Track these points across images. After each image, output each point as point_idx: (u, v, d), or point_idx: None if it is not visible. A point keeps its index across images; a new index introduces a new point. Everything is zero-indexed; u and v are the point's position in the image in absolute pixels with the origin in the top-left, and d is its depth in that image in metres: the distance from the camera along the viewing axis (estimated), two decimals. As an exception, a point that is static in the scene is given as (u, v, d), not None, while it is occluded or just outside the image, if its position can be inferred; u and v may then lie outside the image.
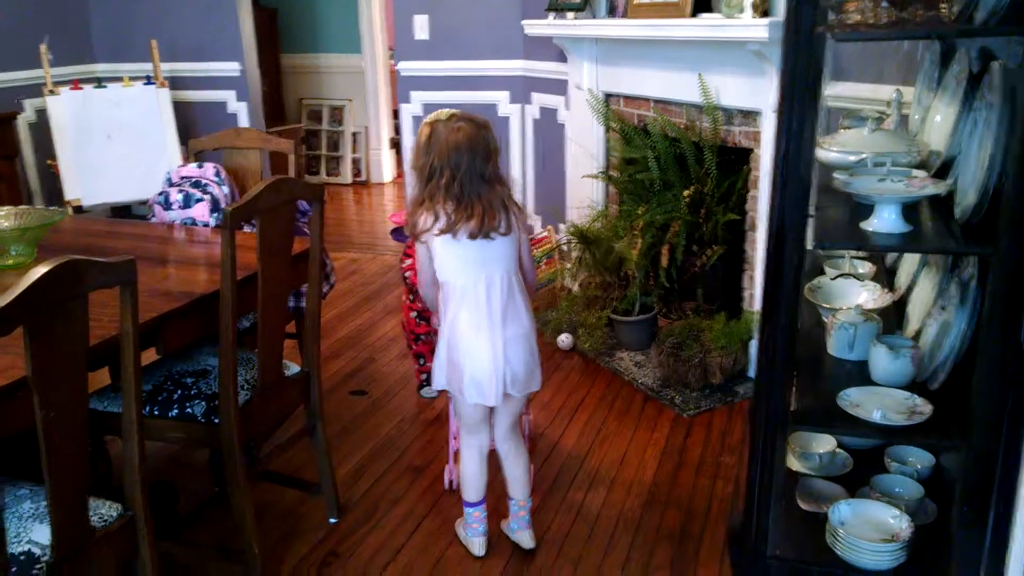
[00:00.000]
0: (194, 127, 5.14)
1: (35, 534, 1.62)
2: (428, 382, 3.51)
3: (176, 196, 2.95)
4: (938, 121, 1.88)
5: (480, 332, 2.17)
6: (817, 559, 1.57)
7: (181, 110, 5.05)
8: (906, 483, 1.71)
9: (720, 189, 3.47)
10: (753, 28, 2.81)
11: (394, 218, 4.99)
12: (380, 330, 4.18)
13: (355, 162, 7.76)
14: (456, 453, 2.69)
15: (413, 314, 3.41)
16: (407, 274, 3.39)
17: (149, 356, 2.10)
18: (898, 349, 1.58)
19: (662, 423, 3.19)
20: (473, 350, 2.19)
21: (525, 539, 2.43)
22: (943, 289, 1.71)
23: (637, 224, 3.66)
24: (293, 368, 2.47)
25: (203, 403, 2.21)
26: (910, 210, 1.46)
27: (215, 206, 2.95)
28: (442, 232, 2.12)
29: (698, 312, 3.61)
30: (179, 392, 2.23)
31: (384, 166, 7.72)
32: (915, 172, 1.57)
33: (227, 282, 2.05)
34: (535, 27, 4.13)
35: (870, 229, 1.44)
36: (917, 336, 1.72)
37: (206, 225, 2.95)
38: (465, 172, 2.09)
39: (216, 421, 2.19)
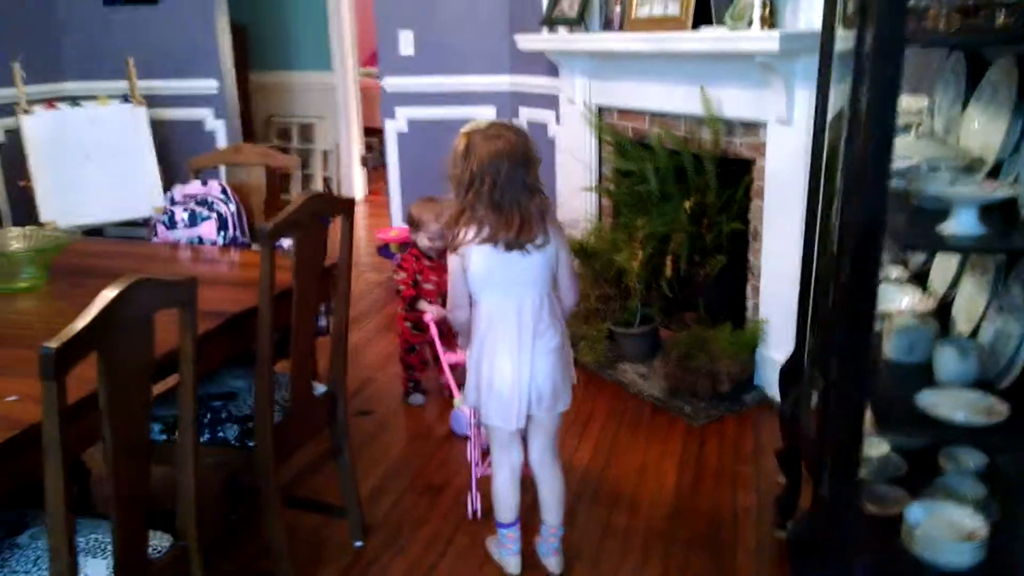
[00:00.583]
0: (171, 146, 5.03)
1: (90, 569, 1.54)
2: (416, 389, 3.49)
3: (181, 215, 2.87)
4: (976, 128, 1.92)
5: (506, 353, 2.13)
6: (895, 561, 1.57)
7: (158, 129, 4.93)
8: (967, 482, 1.73)
9: (720, 200, 3.51)
10: (763, 41, 2.85)
11: (381, 234, 4.95)
12: (374, 349, 4.11)
13: (326, 180, 7.67)
14: (478, 481, 2.68)
15: (408, 323, 3.40)
16: (400, 287, 3.37)
17: (168, 381, 2.03)
18: (966, 350, 1.61)
19: (674, 434, 3.19)
20: (498, 372, 2.15)
21: (552, 564, 2.37)
22: (996, 291, 1.74)
23: (637, 236, 3.67)
24: (319, 388, 2.41)
25: (236, 426, 2.14)
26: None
27: (222, 224, 2.88)
28: (483, 241, 2.06)
29: (699, 322, 3.63)
30: (209, 416, 2.16)
31: (356, 184, 7.65)
32: (977, 177, 1.60)
33: (265, 299, 2.00)
34: (529, 42, 4.14)
35: (949, 232, 1.46)
36: (973, 337, 1.75)
37: (214, 243, 2.88)
38: (505, 178, 2.03)
39: (250, 444, 2.12)
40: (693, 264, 3.55)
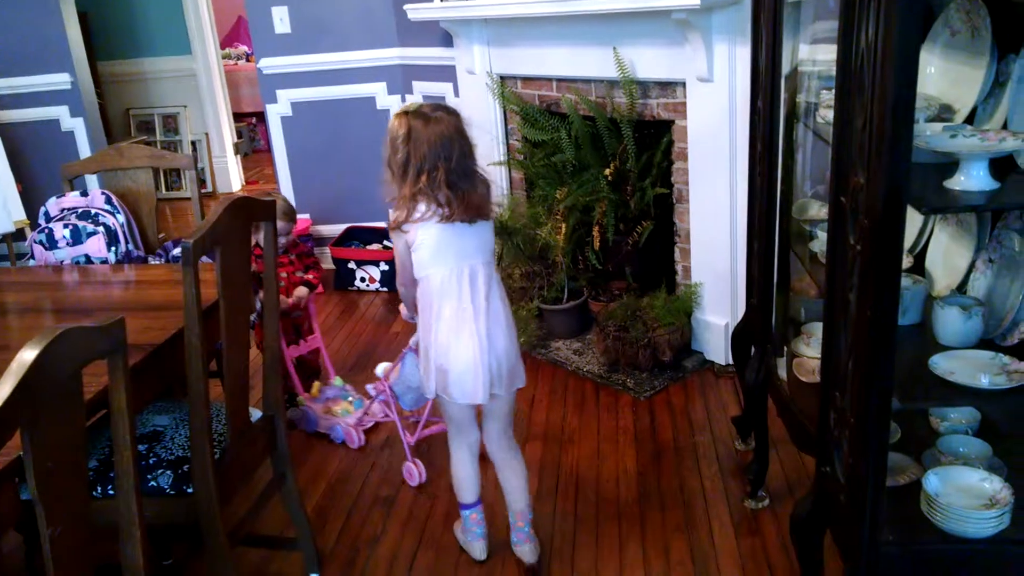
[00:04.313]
0: (25, 151, 4.50)
1: None
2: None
3: (62, 232, 2.51)
4: (932, 73, 1.86)
5: (463, 327, 2.09)
6: (920, 535, 1.51)
7: (6, 133, 4.39)
8: (969, 442, 1.69)
9: (640, 164, 3.41)
10: (683, -4, 2.73)
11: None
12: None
13: (198, 172, 7.14)
14: (412, 448, 2.75)
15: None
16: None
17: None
18: (969, 309, 1.54)
19: (622, 409, 3.09)
20: (456, 346, 2.09)
21: (527, 553, 2.28)
22: (982, 243, 1.69)
23: (558, 208, 3.54)
24: (255, 414, 2.16)
25: (168, 472, 1.88)
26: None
27: (112, 238, 2.54)
28: (442, 220, 2.04)
29: (630, 292, 3.55)
30: (135, 463, 1.88)
31: (231, 174, 7.17)
32: (970, 128, 1.53)
33: (192, 324, 1.73)
34: (420, 11, 3.89)
35: (959, 188, 1.38)
36: (959, 292, 1.70)
37: (104, 261, 2.54)
38: (458, 161, 2.03)
39: (188, 491, 1.86)
40: (619, 233, 3.45)
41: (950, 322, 1.56)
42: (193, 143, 7.10)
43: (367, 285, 4.45)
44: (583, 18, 3.27)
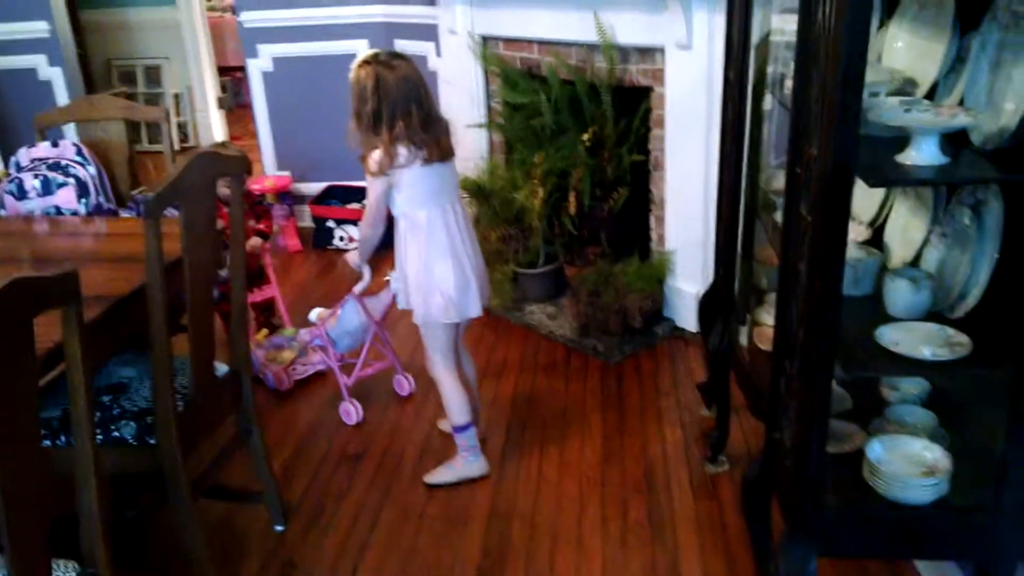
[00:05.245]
0: (1, 100, 4.45)
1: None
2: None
3: (32, 182, 2.50)
4: (899, 47, 1.87)
5: (457, 255, 2.34)
6: (861, 501, 1.55)
7: (-19, 80, 4.35)
8: (915, 412, 1.73)
9: (617, 130, 3.41)
10: (662, -39, 2.72)
11: (253, 185, 4.59)
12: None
13: (181, 127, 7.09)
14: (348, 388, 2.88)
15: None
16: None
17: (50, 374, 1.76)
18: (918, 281, 1.57)
19: (591, 373, 3.13)
20: (455, 272, 2.33)
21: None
22: (937, 217, 1.72)
23: (535, 172, 3.54)
24: (221, 368, 2.18)
25: (132, 423, 1.90)
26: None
27: (83, 190, 2.53)
28: (425, 162, 2.22)
29: (604, 257, 3.57)
30: (99, 414, 1.90)
31: (214, 128, 7.09)
32: (926, 103, 1.54)
33: (155, 278, 1.75)
34: (403, -32, 3.85)
35: (909, 163, 1.40)
36: (913, 265, 1.72)
37: (75, 213, 2.53)
38: (426, 104, 2.21)
39: (152, 442, 1.89)
40: (595, 199, 3.46)
41: (900, 294, 1.59)
42: (176, 96, 7.03)
43: (345, 244, 4.44)
44: (565, -20, 3.25)
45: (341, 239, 4.45)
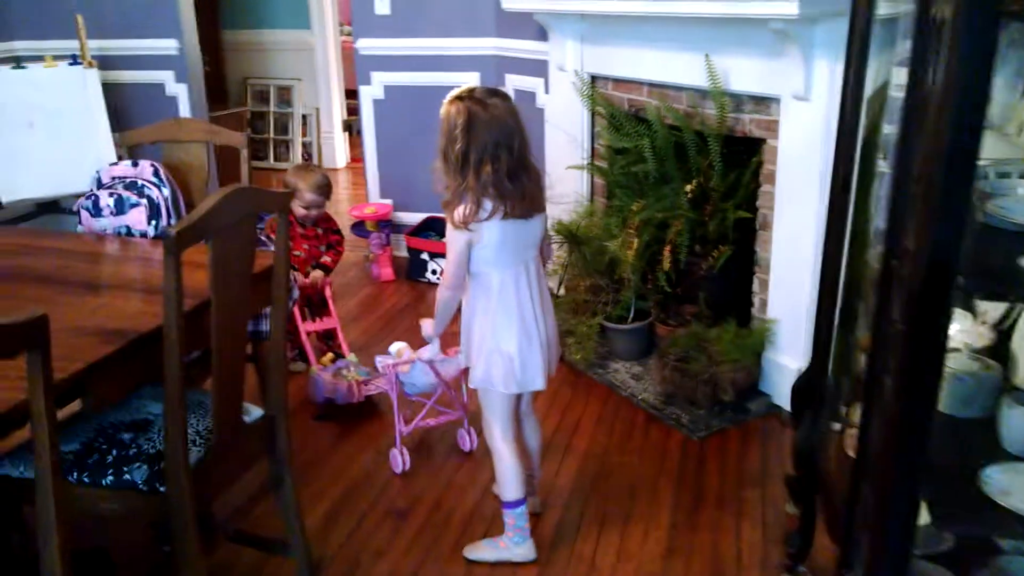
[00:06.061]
0: (128, 112, 4.61)
1: None
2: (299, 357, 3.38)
3: (107, 200, 2.49)
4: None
5: (526, 320, 2.13)
6: None
7: (112, 93, 4.51)
8: (1033, 567, 1.40)
9: (725, 183, 3.13)
10: (780, 3, 2.45)
11: (355, 211, 4.57)
12: (346, 338, 3.74)
13: (305, 146, 7.26)
14: (403, 436, 2.73)
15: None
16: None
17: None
18: (1046, 412, 1.26)
19: (671, 448, 2.85)
20: (521, 339, 2.13)
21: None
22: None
23: (632, 222, 3.30)
24: (254, 412, 2.06)
25: (145, 467, 1.79)
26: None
27: (154, 211, 2.50)
28: (505, 216, 2.01)
29: (700, 318, 3.28)
30: (114, 452, 1.81)
31: (337, 150, 7.23)
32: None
33: (172, 319, 1.63)
34: (515, 1, 3.72)
35: (1039, 268, 1.11)
36: (1044, 386, 1.40)
37: (144, 235, 2.50)
38: (518, 153, 1.99)
39: (162, 489, 1.77)
40: (694, 255, 3.19)
41: (1018, 425, 1.27)
42: (304, 116, 7.20)
43: (437, 278, 4.33)
44: (677, 21, 3.02)
45: (433, 272, 4.34)
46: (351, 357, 3.26)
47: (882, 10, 1.68)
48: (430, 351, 2.40)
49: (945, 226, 1.00)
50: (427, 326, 2.30)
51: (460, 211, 2.00)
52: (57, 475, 1.28)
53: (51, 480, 1.26)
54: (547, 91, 3.96)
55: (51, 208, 4.90)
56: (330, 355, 3.32)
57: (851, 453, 1.83)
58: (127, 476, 1.78)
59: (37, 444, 1.25)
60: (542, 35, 3.88)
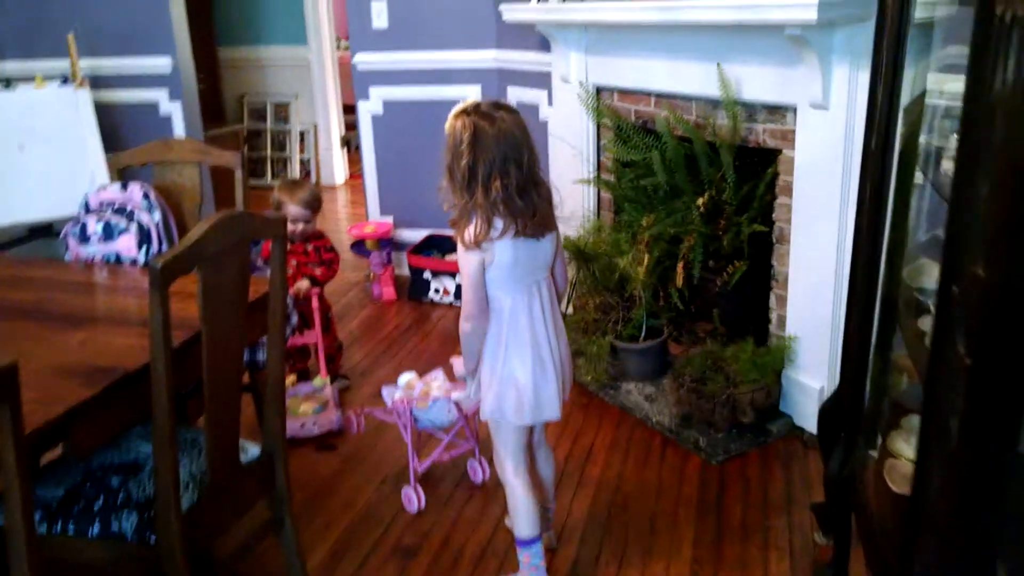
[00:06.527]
0: (121, 132, 4.51)
1: None
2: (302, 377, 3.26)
3: (95, 226, 2.37)
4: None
5: (536, 344, 2.00)
6: None
7: (105, 113, 4.40)
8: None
9: (739, 196, 3.02)
10: (797, 8, 2.34)
11: (355, 230, 4.45)
12: (348, 362, 3.63)
13: (303, 163, 7.15)
14: (417, 474, 2.60)
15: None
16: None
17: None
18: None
19: (689, 474, 2.72)
20: (534, 368, 2.00)
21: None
22: None
23: (643, 237, 3.18)
24: (251, 451, 1.93)
25: (134, 514, 1.67)
26: None
27: (144, 237, 2.38)
28: (516, 235, 1.89)
29: (715, 336, 3.16)
30: (102, 499, 1.69)
31: (336, 167, 7.13)
32: None
33: (160, 355, 1.52)
34: (516, 12, 3.62)
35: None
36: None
37: (134, 262, 2.38)
38: (527, 170, 1.89)
39: (152, 540, 1.65)
40: (707, 270, 3.07)
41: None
42: (302, 133, 7.10)
43: (440, 297, 4.21)
44: (688, 29, 2.91)
45: (436, 291, 4.22)
46: (317, 382, 3.10)
47: (920, 12, 1.57)
48: (463, 395, 2.28)
49: (1012, 258, 0.88)
50: (458, 364, 2.16)
51: (471, 230, 1.89)
52: (31, 531, 1.15)
53: (24, 538, 1.14)
54: (551, 103, 3.85)
55: (44, 232, 4.78)
56: (292, 377, 3.14)
57: (893, 485, 1.71)
58: (115, 526, 1.66)
59: (8, 500, 1.13)
60: (544, 46, 3.78)
